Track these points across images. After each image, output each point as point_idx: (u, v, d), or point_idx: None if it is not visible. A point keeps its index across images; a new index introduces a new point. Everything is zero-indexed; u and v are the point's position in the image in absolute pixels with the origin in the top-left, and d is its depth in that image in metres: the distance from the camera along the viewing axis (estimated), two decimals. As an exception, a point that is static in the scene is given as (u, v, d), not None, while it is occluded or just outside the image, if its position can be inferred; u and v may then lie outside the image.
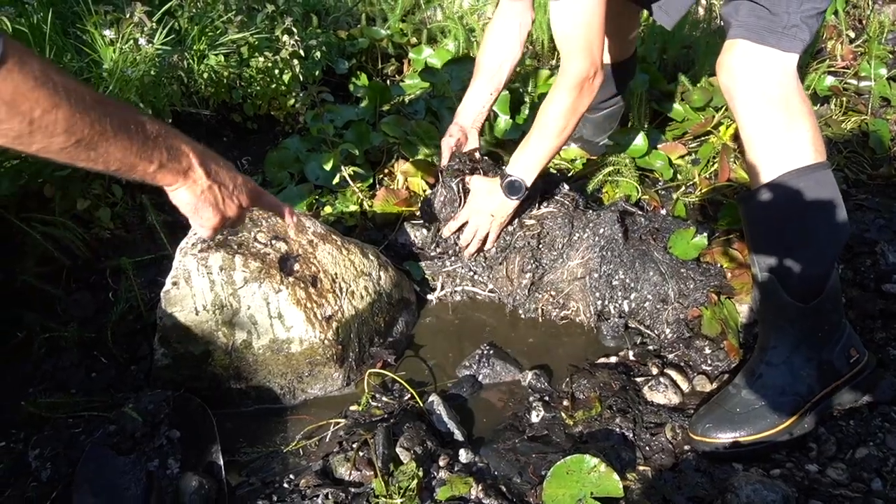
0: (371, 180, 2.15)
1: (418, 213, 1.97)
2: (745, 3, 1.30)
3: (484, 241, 1.78)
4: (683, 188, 2.16)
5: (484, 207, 1.73)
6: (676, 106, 2.45)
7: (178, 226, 1.96)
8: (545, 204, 1.83)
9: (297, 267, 1.53)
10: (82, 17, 2.01)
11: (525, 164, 1.66)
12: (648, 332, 1.65)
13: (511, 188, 1.67)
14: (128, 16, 1.94)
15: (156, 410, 1.40)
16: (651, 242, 1.78)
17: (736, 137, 2.26)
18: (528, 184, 1.67)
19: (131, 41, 1.96)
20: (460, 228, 1.79)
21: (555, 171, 2.21)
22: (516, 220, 1.80)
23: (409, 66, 2.93)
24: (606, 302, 1.70)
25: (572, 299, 1.74)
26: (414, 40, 3.01)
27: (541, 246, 1.77)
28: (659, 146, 2.30)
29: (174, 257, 1.50)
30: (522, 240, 1.77)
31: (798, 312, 1.22)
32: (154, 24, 1.94)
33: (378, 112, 2.47)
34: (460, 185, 1.82)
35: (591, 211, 1.82)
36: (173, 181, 0.98)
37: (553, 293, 1.76)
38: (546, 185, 1.88)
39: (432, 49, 2.86)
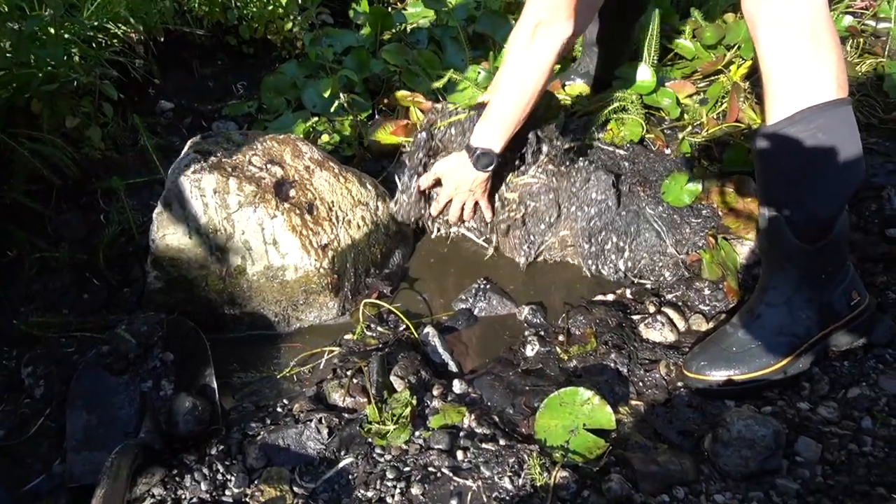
0: (370, 110, 2.09)
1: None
2: None
3: (474, 210, 1.67)
4: (690, 128, 2.10)
5: (460, 184, 1.59)
6: (687, 43, 2.36)
7: (172, 149, 1.92)
8: (526, 169, 1.69)
9: (292, 193, 1.49)
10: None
11: (489, 133, 1.51)
12: (646, 280, 1.63)
13: (480, 160, 1.52)
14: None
15: (149, 333, 1.39)
16: (641, 195, 1.69)
17: (747, 77, 2.19)
18: (497, 151, 1.51)
19: (120, -50, 1.86)
20: (446, 207, 1.67)
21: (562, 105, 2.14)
22: (497, 196, 1.69)
23: (412, -8, 2.81)
24: (602, 264, 1.65)
25: (568, 258, 1.70)
26: (418, -35, 2.88)
27: (528, 223, 1.68)
28: (667, 84, 2.22)
29: (167, 180, 1.46)
30: (507, 221, 1.68)
31: (803, 253, 1.19)
32: (144, -68, 1.84)
33: (379, 40, 2.37)
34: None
35: (574, 173, 1.67)
36: None
37: (549, 253, 1.71)
38: (523, 143, 1.68)
39: (437, -25, 2.73)
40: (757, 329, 1.26)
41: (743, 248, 1.57)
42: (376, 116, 2.05)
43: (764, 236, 1.28)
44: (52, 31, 1.66)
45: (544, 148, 1.69)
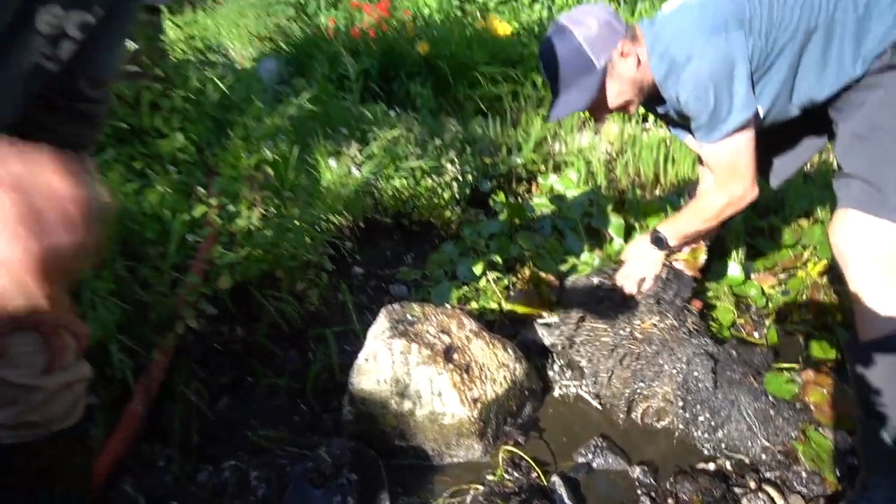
0: (506, 283, 2.26)
1: (545, 315, 2.04)
2: (857, 181, 1.29)
3: (639, 285, 1.86)
4: (775, 315, 2.09)
5: (638, 256, 1.86)
6: (768, 241, 2.40)
7: (362, 305, 2.17)
8: (653, 315, 1.79)
9: (455, 356, 1.64)
10: (313, 147, 2.34)
11: (670, 228, 1.77)
12: (742, 455, 1.58)
13: (656, 241, 1.79)
14: (346, 150, 2.24)
15: (341, 455, 1.53)
16: (745, 381, 1.66)
17: (824, 273, 2.18)
18: (671, 243, 1.77)
19: (345, 167, 2.25)
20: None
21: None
22: (622, 333, 1.79)
23: (537, 187, 3.08)
24: (694, 430, 1.63)
25: (670, 421, 1.70)
26: (542, 168, 3.17)
27: (633, 367, 1.74)
28: (752, 276, 2.25)
29: (360, 333, 1.66)
30: (627, 359, 1.76)
31: (900, 459, 1.15)
32: (364, 157, 2.22)
33: (514, 225, 2.61)
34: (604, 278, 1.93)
35: (680, 345, 1.72)
36: None
37: (652, 406, 1.73)
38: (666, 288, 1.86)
39: (557, 176, 2.99)
40: (860, 525, 1.20)
41: (837, 437, 1.51)
42: (512, 289, 2.22)
43: (861, 438, 1.24)
44: (298, 223, 2.02)
45: (678, 298, 1.84)
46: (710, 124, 1.48)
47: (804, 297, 2.10)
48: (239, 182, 1.94)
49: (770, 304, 2.14)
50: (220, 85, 2.28)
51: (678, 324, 1.79)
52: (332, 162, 2.19)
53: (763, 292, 2.16)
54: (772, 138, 1.66)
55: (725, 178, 1.59)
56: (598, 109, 1.64)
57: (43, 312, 0.84)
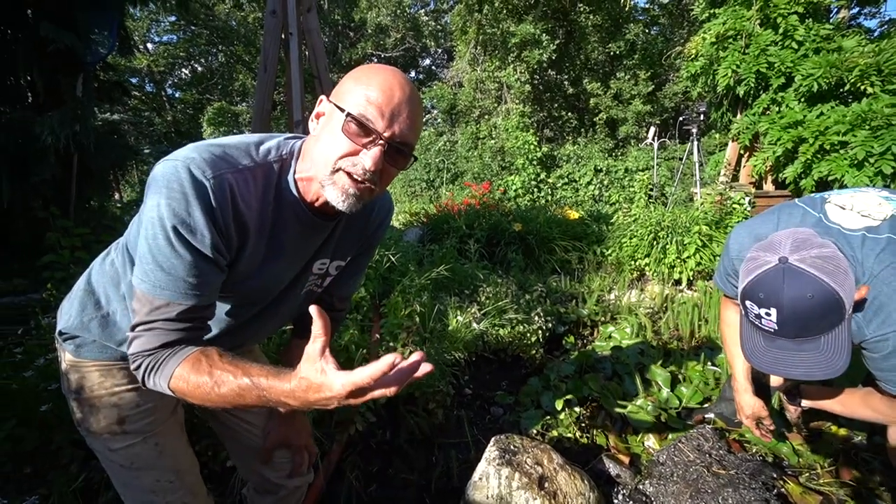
0: (578, 415, 2.24)
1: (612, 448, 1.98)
2: None
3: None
4: (808, 473, 1.88)
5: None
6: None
7: (469, 420, 2.24)
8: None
9: (546, 484, 1.66)
10: (445, 301, 2.57)
11: (812, 393, 1.40)
12: None
13: (789, 396, 1.55)
14: (467, 307, 2.45)
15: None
16: None
17: (846, 439, 1.95)
18: (803, 404, 1.53)
19: (469, 319, 2.45)
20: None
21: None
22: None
23: (598, 333, 3.09)
24: None
25: None
26: (602, 318, 3.20)
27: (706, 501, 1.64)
28: (786, 433, 2.06)
29: (471, 444, 1.71)
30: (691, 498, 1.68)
31: None
32: (480, 315, 2.42)
33: (582, 366, 2.62)
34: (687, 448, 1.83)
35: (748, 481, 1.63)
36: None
37: None
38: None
39: (614, 327, 3.00)
40: None
41: None
42: (584, 420, 2.19)
43: None
44: (435, 359, 2.20)
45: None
46: None
47: (833, 459, 1.89)
48: (398, 327, 2.19)
49: (801, 461, 1.93)
50: (392, 258, 2.65)
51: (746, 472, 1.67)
52: (459, 316, 2.40)
53: (794, 450, 1.97)
54: None
55: None
56: None
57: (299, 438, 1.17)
